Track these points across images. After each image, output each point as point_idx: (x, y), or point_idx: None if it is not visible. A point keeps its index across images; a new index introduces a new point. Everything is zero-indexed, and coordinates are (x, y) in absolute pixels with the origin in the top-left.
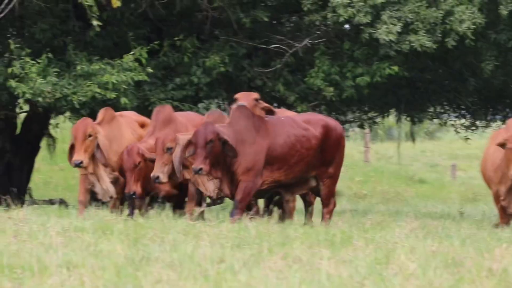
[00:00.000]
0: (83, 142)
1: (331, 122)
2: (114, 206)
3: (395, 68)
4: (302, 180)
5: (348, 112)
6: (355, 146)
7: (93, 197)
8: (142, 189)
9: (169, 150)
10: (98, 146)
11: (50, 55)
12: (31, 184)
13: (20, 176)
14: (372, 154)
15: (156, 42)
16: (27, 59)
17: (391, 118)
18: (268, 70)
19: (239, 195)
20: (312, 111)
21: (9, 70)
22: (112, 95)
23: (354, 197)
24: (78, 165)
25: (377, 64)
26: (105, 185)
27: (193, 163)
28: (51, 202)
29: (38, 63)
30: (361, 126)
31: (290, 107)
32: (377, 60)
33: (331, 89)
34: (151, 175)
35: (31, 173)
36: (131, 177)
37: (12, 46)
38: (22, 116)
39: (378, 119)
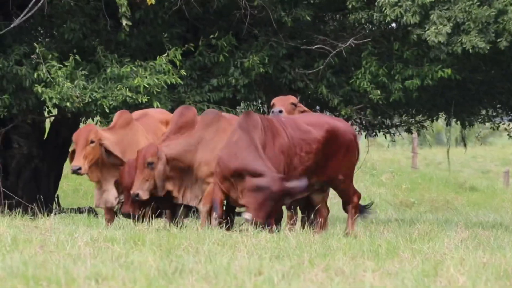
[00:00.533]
0: (83, 148)
1: (340, 125)
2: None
3: (448, 71)
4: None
5: (395, 115)
6: (402, 152)
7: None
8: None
9: (150, 165)
10: (107, 151)
11: (77, 57)
12: (59, 192)
13: (47, 183)
14: (420, 160)
15: (191, 44)
16: (54, 62)
17: (440, 122)
18: (310, 71)
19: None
20: (356, 115)
21: (35, 74)
22: (144, 99)
23: (400, 206)
24: (76, 171)
25: (428, 66)
26: (106, 195)
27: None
28: (79, 210)
29: (66, 66)
30: (409, 131)
31: (333, 110)
32: (427, 61)
33: (378, 91)
34: (131, 191)
35: (59, 180)
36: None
37: (38, 50)
38: (50, 119)
39: (427, 123)
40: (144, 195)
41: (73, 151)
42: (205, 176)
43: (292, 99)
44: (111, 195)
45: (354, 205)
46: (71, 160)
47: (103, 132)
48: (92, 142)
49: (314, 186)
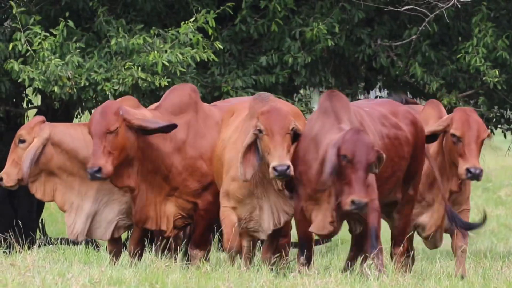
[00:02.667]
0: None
1: (417, 115)
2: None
3: None
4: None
5: None
6: None
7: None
8: None
9: None
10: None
11: (70, 23)
12: (44, 216)
13: (28, 204)
14: None
15: (229, 4)
16: (37, 29)
17: None
18: (399, 43)
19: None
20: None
21: (10, 45)
22: (164, 82)
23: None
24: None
25: None
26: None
27: None
28: (74, 241)
29: (54, 35)
30: None
31: (431, 97)
32: None
33: (496, 71)
34: None
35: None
36: None
37: (16, 11)
38: (31, 113)
39: None
40: None
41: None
42: None
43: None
44: None
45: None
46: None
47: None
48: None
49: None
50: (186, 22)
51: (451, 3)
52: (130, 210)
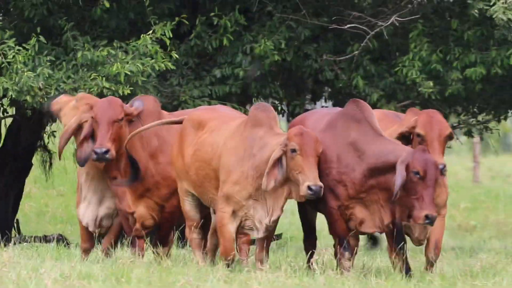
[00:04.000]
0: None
1: None
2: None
3: None
4: None
5: (451, 114)
6: (460, 161)
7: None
8: None
9: None
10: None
11: (42, 38)
12: (19, 215)
13: (4, 205)
14: (483, 172)
15: (183, 16)
16: (11, 43)
17: (509, 122)
18: (342, 58)
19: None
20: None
21: None
22: (126, 90)
23: (459, 230)
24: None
25: (496, 50)
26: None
27: None
28: (46, 239)
29: (26, 49)
30: (469, 134)
31: (372, 107)
32: (494, 44)
33: (430, 83)
34: None
35: (19, 200)
36: None
37: None
38: (7, 122)
39: (492, 124)
40: None
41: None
42: None
43: None
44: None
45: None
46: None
47: None
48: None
49: None
50: (145, 34)
51: (389, 22)
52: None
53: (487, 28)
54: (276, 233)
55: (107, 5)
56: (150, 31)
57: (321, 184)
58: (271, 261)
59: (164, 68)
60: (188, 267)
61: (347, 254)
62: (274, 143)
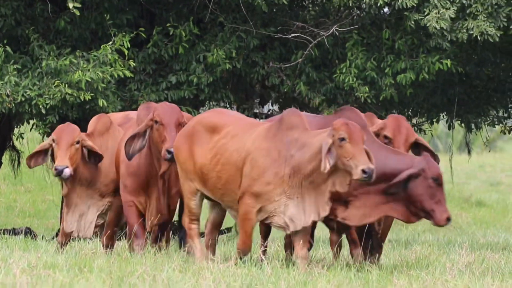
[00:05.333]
0: (68, 148)
1: None
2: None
3: (448, 62)
4: None
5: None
6: None
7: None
8: None
9: None
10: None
11: (8, 48)
12: None
13: None
14: None
15: (141, 29)
16: None
17: (441, 125)
18: (287, 65)
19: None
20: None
21: None
22: (87, 96)
23: (394, 224)
24: (62, 171)
25: (424, 57)
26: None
27: None
28: (14, 231)
29: None
30: None
31: (314, 111)
32: (424, 52)
33: (366, 88)
34: None
35: None
36: None
37: None
38: None
39: (425, 126)
40: None
41: (35, 153)
42: None
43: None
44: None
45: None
46: (30, 161)
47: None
48: (77, 142)
49: None
50: (105, 45)
51: (330, 32)
52: (105, 212)
53: (418, 37)
54: (226, 226)
55: (77, 13)
56: (110, 42)
57: (373, 166)
58: (222, 252)
59: (123, 76)
60: (146, 257)
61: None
62: (314, 141)
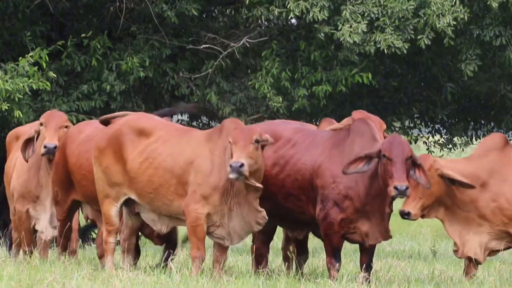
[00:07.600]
0: (56, 130)
1: None
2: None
3: (368, 75)
4: None
5: None
6: None
7: None
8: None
9: None
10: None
11: None
12: None
13: None
14: None
15: (59, 43)
16: None
17: None
18: (197, 75)
19: None
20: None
21: None
22: (4, 106)
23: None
24: (53, 149)
25: (340, 69)
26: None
27: None
28: None
29: None
30: None
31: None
32: (337, 64)
33: (280, 98)
34: None
35: None
36: None
37: None
38: None
39: None
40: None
41: (28, 140)
42: None
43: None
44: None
45: None
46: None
47: None
48: (66, 127)
49: None
50: (24, 57)
51: (241, 43)
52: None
53: (329, 49)
54: None
55: None
56: (28, 54)
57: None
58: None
59: (41, 87)
60: (55, 265)
61: (337, 265)
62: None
